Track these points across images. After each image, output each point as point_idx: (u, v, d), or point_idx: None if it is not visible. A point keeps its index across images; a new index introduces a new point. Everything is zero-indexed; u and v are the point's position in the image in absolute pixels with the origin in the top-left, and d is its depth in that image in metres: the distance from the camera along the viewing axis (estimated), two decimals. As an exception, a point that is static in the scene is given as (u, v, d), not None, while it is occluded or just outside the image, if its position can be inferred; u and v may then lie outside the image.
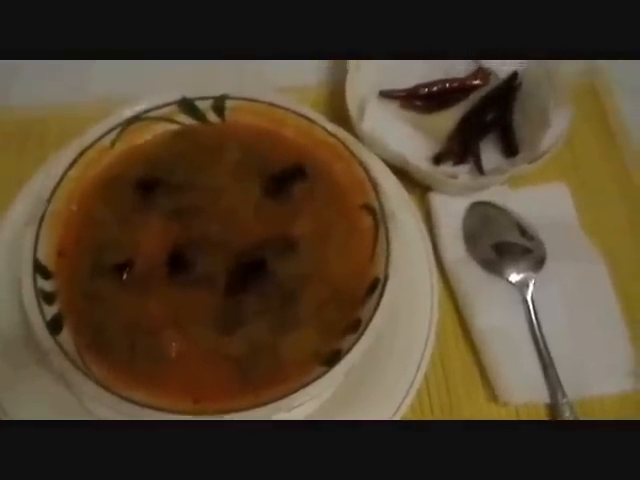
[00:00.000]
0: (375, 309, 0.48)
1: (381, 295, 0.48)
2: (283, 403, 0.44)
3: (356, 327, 0.48)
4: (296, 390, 0.45)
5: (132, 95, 0.57)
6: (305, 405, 0.48)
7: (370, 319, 0.47)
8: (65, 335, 0.47)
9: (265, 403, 0.44)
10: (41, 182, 0.53)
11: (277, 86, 0.65)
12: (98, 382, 0.44)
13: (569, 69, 0.70)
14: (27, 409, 0.50)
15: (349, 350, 0.46)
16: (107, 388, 0.44)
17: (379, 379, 0.52)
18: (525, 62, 0.68)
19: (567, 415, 0.54)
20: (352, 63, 0.67)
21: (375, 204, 0.53)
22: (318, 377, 0.45)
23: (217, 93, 0.58)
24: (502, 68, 0.70)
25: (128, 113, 0.56)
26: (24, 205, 0.55)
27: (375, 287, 0.49)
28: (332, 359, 0.46)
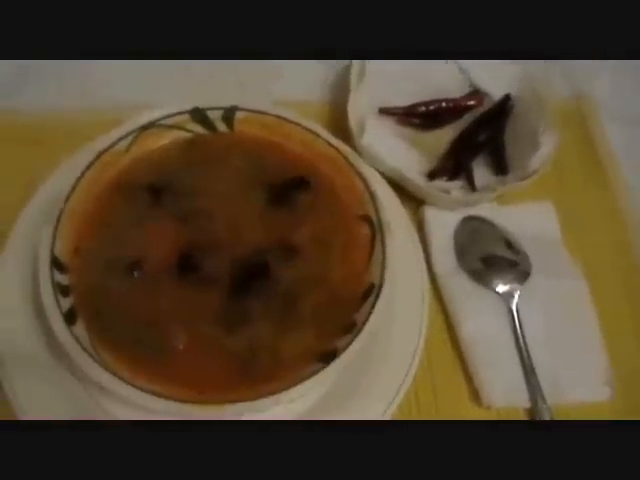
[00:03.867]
0: (370, 312, 0.51)
1: (376, 299, 0.52)
2: (281, 396, 0.47)
3: (351, 328, 0.51)
4: (294, 385, 0.48)
5: (138, 102, 0.61)
6: (302, 401, 0.52)
7: (365, 321, 0.51)
8: (79, 326, 0.50)
9: (264, 395, 0.47)
10: (59, 183, 0.57)
11: (282, 101, 0.69)
12: (109, 371, 0.48)
13: (558, 94, 0.75)
14: (42, 406, 0.52)
15: (344, 349, 0.50)
16: (118, 376, 0.47)
17: (372, 379, 0.55)
18: (517, 86, 0.73)
19: (546, 420, 0.57)
20: (354, 81, 0.71)
21: (373, 215, 0.56)
22: (314, 373, 0.48)
23: (227, 104, 0.61)
24: (496, 91, 0.74)
25: (143, 120, 0.59)
26: (40, 205, 0.58)
27: (371, 292, 0.53)
28: (328, 357, 0.49)
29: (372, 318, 0.51)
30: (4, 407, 0.52)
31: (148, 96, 0.68)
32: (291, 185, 0.58)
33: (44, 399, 0.52)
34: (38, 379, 0.53)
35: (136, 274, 0.53)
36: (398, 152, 0.69)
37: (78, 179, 0.56)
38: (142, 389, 0.47)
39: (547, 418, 0.57)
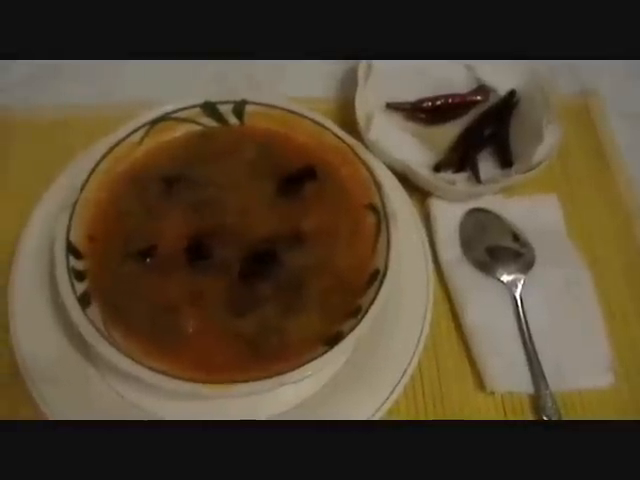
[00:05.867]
0: (374, 297, 0.53)
1: (380, 285, 0.53)
2: (287, 377, 0.49)
3: (357, 313, 0.52)
4: (300, 366, 0.49)
5: (153, 99, 0.63)
6: (312, 383, 0.54)
7: (369, 306, 0.52)
8: (93, 309, 0.52)
9: (271, 376, 0.49)
10: (74, 173, 0.59)
11: (292, 98, 0.70)
12: (122, 351, 0.49)
13: (565, 90, 0.76)
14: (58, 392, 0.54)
15: (349, 333, 0.51)
16: (130, 357, 0.49)
17: (378, 363, 0.56)
18: (523, 82, 0.74)
19: (549, 405, 0.58)
20: (361, 77, 0.73)
21: (378, 204, 0.58)
22: (320, 355, 0.50)
23: (237, 98, 0.63)
24: (502, 87, 0.75)
25: (156, 113, 0.61)
26: (57, 195, 0.60)
27: (375, 278, 0.54)
28: (333, 340, 0.51)
29: (376, 303, 0.52)
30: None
31: (162, 95, 0.70)
32: (299, 175, 0.60)
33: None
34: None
35: (149, 260, 0.55)
36: (405, 146, 0.70)
37: (92, 170, 0.58)
38: (153, 369, 0.49)
39: (550, 404, 0.58)
